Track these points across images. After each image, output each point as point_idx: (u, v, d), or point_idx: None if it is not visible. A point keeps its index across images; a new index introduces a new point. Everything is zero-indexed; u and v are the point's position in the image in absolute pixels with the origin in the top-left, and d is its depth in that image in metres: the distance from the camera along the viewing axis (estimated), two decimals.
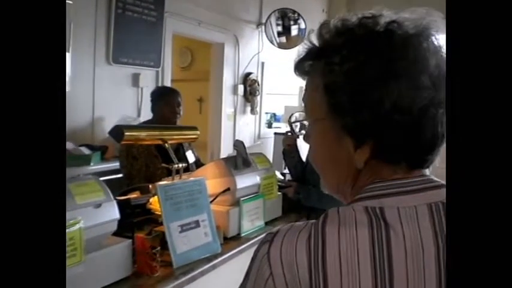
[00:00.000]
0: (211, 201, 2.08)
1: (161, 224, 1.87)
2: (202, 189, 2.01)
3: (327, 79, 0.72)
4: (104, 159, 3.57)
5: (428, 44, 0.70)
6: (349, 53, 0.70)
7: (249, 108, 5.94)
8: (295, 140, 3.02)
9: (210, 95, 5.66)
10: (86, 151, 3.45)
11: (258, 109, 6.05)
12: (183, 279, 1.73)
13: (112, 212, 1.58)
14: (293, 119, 3.07)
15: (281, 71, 5.73)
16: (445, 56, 0.70)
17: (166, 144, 2.29)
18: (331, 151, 0.76)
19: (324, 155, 0.78)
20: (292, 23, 5.91)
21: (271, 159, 2.82)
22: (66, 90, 3.37)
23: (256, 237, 2.23)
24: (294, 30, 5.91)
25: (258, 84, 5.94)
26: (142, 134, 2.37)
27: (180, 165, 2.20)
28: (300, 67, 0.79)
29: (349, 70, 0.69)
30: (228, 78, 5.52)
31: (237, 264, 1.96)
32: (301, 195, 2.76)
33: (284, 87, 6.56)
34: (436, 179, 0.74)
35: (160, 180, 2.24)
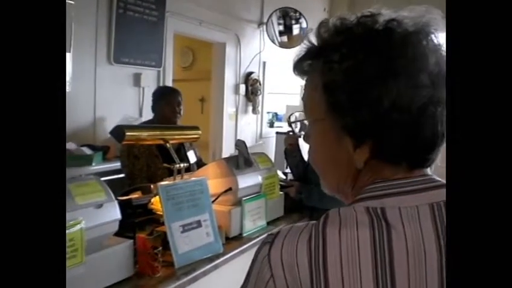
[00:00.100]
0: (213, 201, 2.08)
1: (163, 224, 1.87)
2: (204, 189, 2.01)
3: (326, 78, 0.72)
4: (105, 159, 3.57)
5: (428, 42, 0.70)
6: (349, 52, 0.70)
7: (250, 108, 5.93)
8: (297, 140, 3.01)
9: (212, 94, 5.66)
10: (87, 151, 3.45)
11: (259, 109, 6.05)
12: (185, 279, 1.73)
13: (113, 213, 1.58)
14: (293, 119, 3.06)
15: (283, 71, 5.71)
16: (444, 54, 0.69)
17: (167, 144, 2.28)
18: (331, 151, 0.75)
19: (324, 155, 0.78)
20: (293, 22, 5.90)
21: (273, 159, 2.82)
22: (68, 90, 3.38)
23: (258, 237, 2.22)
24: (296, 30, 5.90)
25: (260, 84, 5.94)
26: (144, 134, 2.37)
27: (182, 165, 2.20)
28: (299, 67, 0.78)
29: (348, 68, 0.69)
30: (229, 78, 5.51)
31: (239, 264, 1.96)
32: (303, 195, 2.76)
33: (286, 87, 6.55)
34: (437, 178, 0.73)
35: (161, 180, 2.24)
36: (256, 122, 6.11)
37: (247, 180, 2.34)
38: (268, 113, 6.36)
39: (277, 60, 5.92)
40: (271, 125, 6.41)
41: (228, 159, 2.41)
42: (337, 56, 0.70)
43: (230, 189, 2.22)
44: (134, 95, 4.16)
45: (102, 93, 3.81)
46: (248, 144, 2.49)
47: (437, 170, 0.75)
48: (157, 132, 2.44)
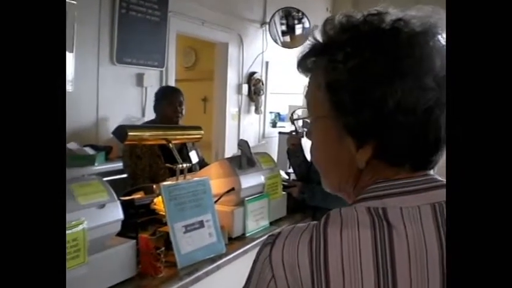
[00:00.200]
0: (215, 201, 2.08)
1: (165, 224, 1.86)
2: (207, 189, 2.01)
3: (329, 77, 0.71)
4: (108, 159, 3.57)
5: (435, 43, 0.69)
6: (354, 50, 0.69)
7: (253, 108, 5.93)
8: (300, 140, 3.01)
9: (214, 94, 5.66)
10: (90, 151, 3.45)
11: (262, 108, 6.04)
12: (188, 279, 1.73)
13: (116, 213, 1.58)
14: (295, 117, 3.06)
15: (285, 70, 5.71)
16: None
17: (170, 144, 2.28)
18: (333, 150, 0.75)
19: (326, 153, 0.77)
20: (296, 22, 5.89)
21: (275, 159, 2.82)
22: (70, 90, 3.39)
23: (261, 237, 2.22)
24: (298, 29, 5.89)
25: (262, 84, 5.93)
26: (146, 134, 2.37)
27: (184, 165, 2.19)
28: (303, 64, 0.77)
29: (353, 68, 0.68)
30: (232, 78, 5.51)
31: (242, 265, 1.96)
32: (306, 195, 2.75)
33: (288, 87, 6.54)
34: (439, 178, 0.73)
35: (163, 180, 2.24)
36: (259, 122, 6.10)
37: (250, 180, 2.34)
38: (270, 113, 6.35)
39: (279, 60, 5.92)
40: (273, 125, 6.40)
41: (231, 159, 2.41)
42: (342, 55, 0.70)
43: (233, 189, 2.22)
44: (137, 95, 4.16)
45: (105, 93, 3.81)
46: (251, 144, 2.49)
47: (439, 170, 0.75)
48: (160, 132, 2.44)
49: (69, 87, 3.47)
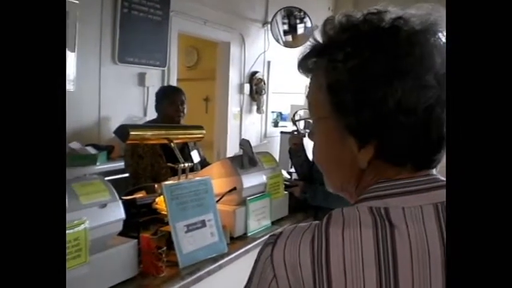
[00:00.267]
0: (217, 201, 2.08)
1: (167, 223, 1.86)
2: (208, 189, 2.00)
3: (330, 77, 0.71)
4: (110, 158, 3.57)
5: (435, 41, 0.69)
6: (354, 50, 0.69)
7: (255, 107, 5.93)
8: (302, 139, 3.00)
9: (216, 94, 5.66)
10: (92, 151, 3.45)
11: (264, 108, 6.04)
12: (189, 279, 1.73)
13: (117, 212, 1.58)
14: (297, 117, 3.06)
15: (287, 70, 5.71)
16: None
17: (172, 144, 2.28)
18: (335, 150, 0.75)
19: (328, 154, 0.77)
20: (298, 21, 5.89)
21: (277, 158, 2.82)
22: (72, 90, 3.39)
23: (262, 236, 2.22)
24: (300, 29, 5.89)
25: (264, 83, 5.93)
26: (148, 133, 2.37)
27: (186, 164, 2.19)
28: (303, 64, 0.77)
29: (353, 68, 0.68)
30: (234, 77, 5.51)
31: (244, 264, 1.95)
32: (308, 195, 2.75)
33: (290, 86, 6.53)
34: (442, 178, 0.72)
35: (164, 179, 2.24)
36: (261, 122, 6.10)
37: (252, 180, 2.34)
38: (272, 112, 6.35)
39: (281, 60, 5.91)
40: (275, 124, 6.40)
41: (233, 159, 2.41)
42: (342, 54, 0.69)
43: (235, 188, 2.22)
44: (139, 94, 4.16)
45: (107, 92, 3.81)
46: (252, 144, 2.49)
47: (442, 169, 0.74)
48: (162, 132, 2.43)
49: (71, 87, 3.47)
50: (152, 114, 3.64)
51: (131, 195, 2.19)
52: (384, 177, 0.72)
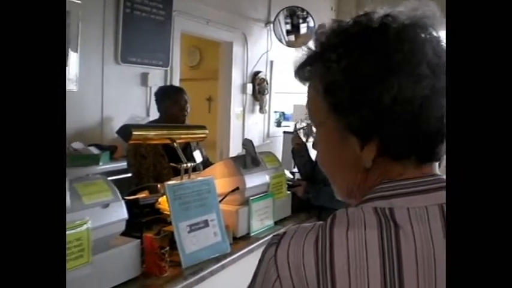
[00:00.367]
0: (220, 201, 2.07)
1: (170, 223, 1.86)
2: (211, 189, 2.00)
3: (325, 79, 0.72)
4: (113, 158, 3.58)
5: (425, 33, 0.70)
6: (345, 51, 0.70)
7: (257, 107, 5.93)
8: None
9: (219, 94, 5.66)
10: (94, 151, 3.46)
11: (266, 108, 6.04)
12: (192, 279, 1.73)
13: (120, 212, 1.58)
14: (298, 126, 3.06)
15: (290, 70, 5.61)
16: (442, 43, 0.69)
17: (175, 144, 2.28)
18: (338, 152, 0.75)
19: (331, 156, 0.77)
20: (301, 21, 5.89)
21: (280, 158, 2.81)
22: (75, 89, 3.40)
23: (265, 236, 2.22)
24: (303, 29, 5.89)
25: (267, 83, 5.93)
26: (151, 133, 2.37)
27: (189, 164, 2.19)
28: (300, 73, 0.79)
29: (346, 67, 0.69)
30: (236, 77, 5.51)
31: (247, 264, 1.95)
32: (311, 195, 2.75)
33: (293, 86, 6.47)
34: None
35: (167, 179, 2.24)
36: (264, 122, 6.10)
37: (255, 180, 2.33)
38: (275, 112, 6.35)
39: (284, 59, 5.91)
40: (278, 124, 6.40)
41: (236, 159, 2.41)
42: (335, 55, 0.70)
43: (237, 188, 2.21)
44: (141, 94, 4.17)
45: (110, 92, 3.82)
46: (255, 144, 2.48)
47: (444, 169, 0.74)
48: (165, 132, 2.43)
49: (73, 87, 3.48)
50: (155, 114, 3.65)
51: (134, 195, 2.19)
52: (389, 176, 0.71)
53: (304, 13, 5.88)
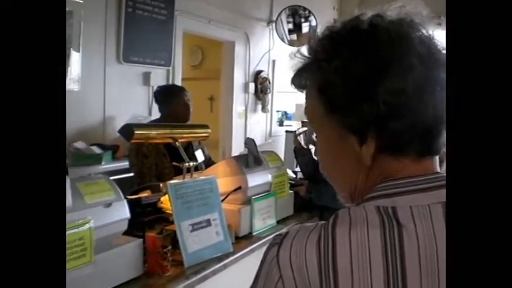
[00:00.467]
0: (222, 200, 2.07)
1: (172, 223, 1.86)
2: (214, 188, 2.00)
3: (319, 81, 0.73)
4: (115, 158, 3.58)
5: (412, 27, 0.71)
6: (336, 52, 0.71)
7: (260, 107, 5.93)
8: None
9: (221, 93, 5.67)
10: (97, 150, 3.46)
11: (269, 107, 6.04)
12: (194, 278, 1.72)
13: (122, 211, 1.58)
14: (299, 131, 3.06)
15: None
16: (431, 38, 0.71)
17: (177, 143, 2.27)
18: (339, 152, 0.75)
19: (332, 157, 0.78)
20: (303, 20, 5.89)
21: (282, 158, 2.81)
22: (77, 89, 3.40)
23: (268, 236, 2.21)
24: (305, 28, 5.89)
25: (269, 82, 5.93)
26: (153, 132, 2.36)
27: (191, 163, 2.19)
28: (296, 81, 0.79)
29: (337, 67, 0.70)
30: (238, 77, 5.51)
31: (249, 264, 1.95)
32: (313, 194, 2.74)
33: None
34: None
35: (168, 179, 2.23)
36: (266, 121, 6.10)
37: (257, 179, 2.33)
38: (277, 111, 6.35)
39: (286, 59, 5.87)
40: (280, 123, 6.40)
41: (238, 158, 2.40)
42: (326, 56, 0.72)
43: (240, 187, 2.21)
44: (143, 93, 4.17)
45: (112, 92, 3.82)
46: (258, 143, 2.48)
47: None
48: (167, 131, 2.43)
49: (75, 86, 3.48)
50: (157, 114, 3.65)
51: (136, 194, 2.19)
52: (390, 173, 0.72)
53: (306, 12, 5.87)
